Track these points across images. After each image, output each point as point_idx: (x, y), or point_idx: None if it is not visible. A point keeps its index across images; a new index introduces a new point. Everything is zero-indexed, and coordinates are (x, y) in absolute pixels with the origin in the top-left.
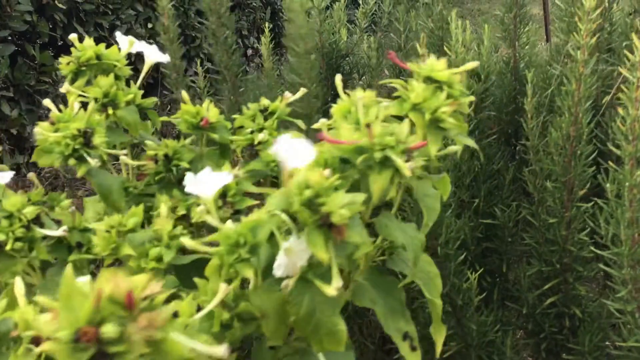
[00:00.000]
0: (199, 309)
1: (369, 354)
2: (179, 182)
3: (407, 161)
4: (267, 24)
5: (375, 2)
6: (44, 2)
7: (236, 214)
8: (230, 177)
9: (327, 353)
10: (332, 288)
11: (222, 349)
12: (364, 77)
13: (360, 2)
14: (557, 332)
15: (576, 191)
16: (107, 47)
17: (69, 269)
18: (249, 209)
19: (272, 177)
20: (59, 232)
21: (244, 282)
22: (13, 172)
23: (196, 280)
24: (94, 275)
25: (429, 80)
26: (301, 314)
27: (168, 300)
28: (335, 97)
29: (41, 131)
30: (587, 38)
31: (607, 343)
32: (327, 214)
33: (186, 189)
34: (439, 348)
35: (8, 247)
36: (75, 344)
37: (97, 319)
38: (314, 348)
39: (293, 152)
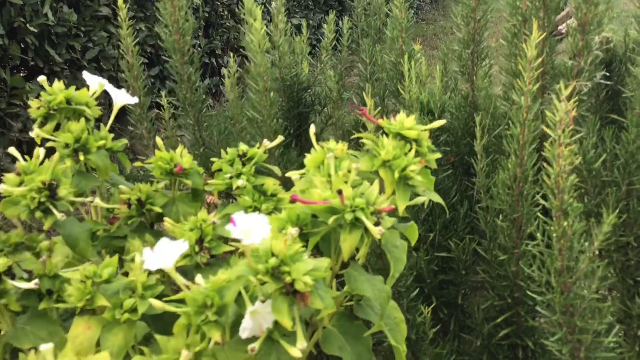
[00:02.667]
0: None
1: None
2: (151, 226)
3: (376, 222)
4: (232, 60)
5: (335, 36)
6: (15, 25)
7: (213, 258)
8: (186, 245)
9: None
10: (297, 350)
11: None
12: (325, 108)
13: (325, 31)
14: None
15: (524, 230)
16: (79, 68)
17: None
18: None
19: None
20: (30, 284)
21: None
22: None
23: (157, 337)
24: (66, 321)
25: (398, 136)
26: None
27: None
28: (299, 128)
29: (6, 186)
30: (530, 85)
31: None
32: (291, 282)
33: (144, 266)
34: None
35: None
36: None
37: None
38: None
39: (249, 229)
